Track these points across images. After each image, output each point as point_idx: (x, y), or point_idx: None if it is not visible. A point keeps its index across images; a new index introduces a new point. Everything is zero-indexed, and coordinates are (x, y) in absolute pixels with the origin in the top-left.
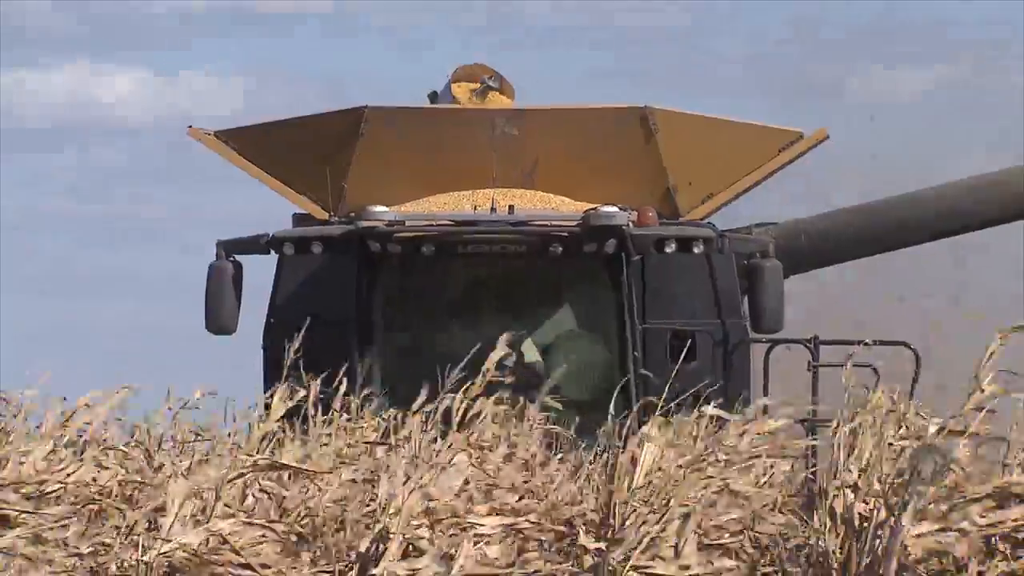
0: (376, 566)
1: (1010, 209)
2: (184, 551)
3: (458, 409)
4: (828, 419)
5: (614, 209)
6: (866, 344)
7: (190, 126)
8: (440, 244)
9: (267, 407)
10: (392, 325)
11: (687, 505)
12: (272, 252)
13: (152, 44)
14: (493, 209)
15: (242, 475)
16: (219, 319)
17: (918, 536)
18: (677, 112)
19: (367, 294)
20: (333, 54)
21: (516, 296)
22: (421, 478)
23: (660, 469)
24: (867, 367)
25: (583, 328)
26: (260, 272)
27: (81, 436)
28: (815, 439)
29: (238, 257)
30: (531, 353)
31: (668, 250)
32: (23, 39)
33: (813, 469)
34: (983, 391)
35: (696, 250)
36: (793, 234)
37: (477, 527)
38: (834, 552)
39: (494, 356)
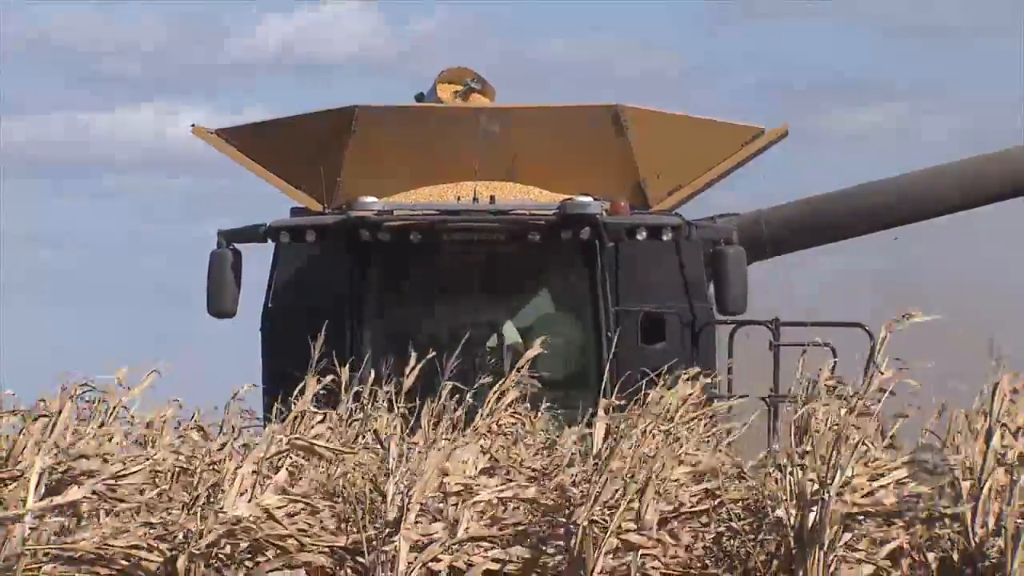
0: (397, 532)
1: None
2: (237, 522)
3: (488, 401)
4: (788, 395)
5: (588, 199)
6: (822, 325)
7: (193, 125)
8: (426, 232)
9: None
10: (382, 308)
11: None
12: (269, 241)
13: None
14: (475, 199)
15: (281, 454)
16: (220, 303)
17: (848, 503)
18: (647, 110)
19: (358, 279)
20: None
21: (497, 280)
22: (436, 458)
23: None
24: (825, 346)
25: (560, 310)
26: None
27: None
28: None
29: (238, 245)
30: (511, 334)
31: (639, 237)
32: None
33: (775, 443)
34: (882, 374)
35: (665, 237)
36: (754, 223)
37: (480, 497)
38: (789, 518)
39: (528, 355)
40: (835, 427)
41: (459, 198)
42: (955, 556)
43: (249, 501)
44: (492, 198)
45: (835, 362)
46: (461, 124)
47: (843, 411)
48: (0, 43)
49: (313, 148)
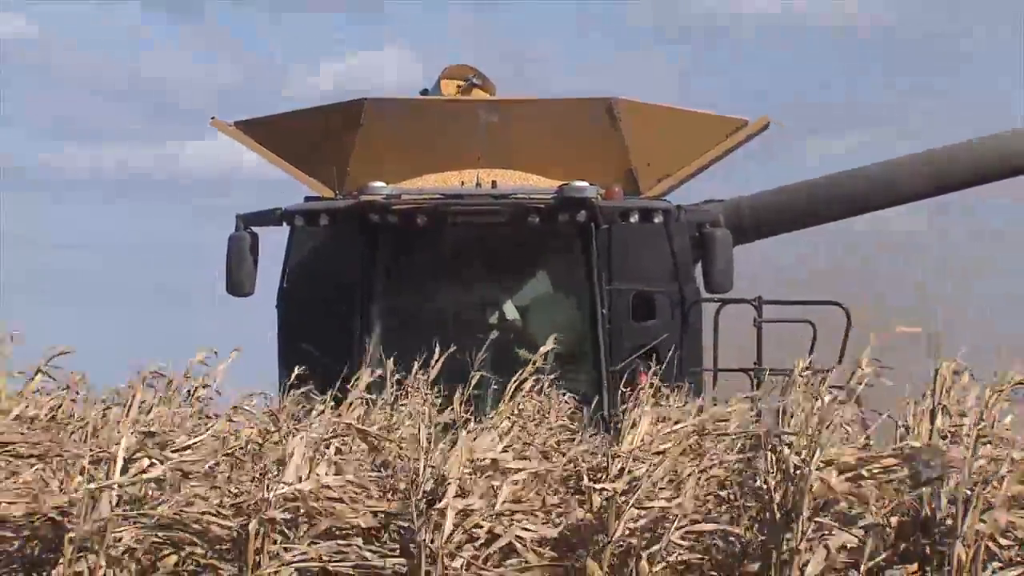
0: (440, 502)
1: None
2: (297, 493)
3: (509, 388)
4: (769, 368)
5: (585, 184)
6: (802, 304)
7: (213, 117)
8: (432, 214)
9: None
10: (390, 286)
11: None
12: (284, 224)
13: None
14: (478, 184)
15: (336, 435)
16: (238, 283)
17: (829, 480)
18: (639, 102)
19: (368, 259)
20: None
21: (498, 260)
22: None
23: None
24: (806, 322)
25: (557, 289)
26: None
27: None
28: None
29: (254, 229)
30: (511, 310)
31: (631, 220)
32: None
33: (758, 416)
34: (862, 369)
35: (656, 220)
36: (737, 209)
37: (512, 473)
38: (774, 490)
39: (542, 350)
40: (817, 411)
41: (463, 183)
42: (912, 521)
43: (307, 474)
44: (494, 183)
45: (814, 336)
46: (464, 115)
47: (825, 398)
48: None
49: (325, 139)
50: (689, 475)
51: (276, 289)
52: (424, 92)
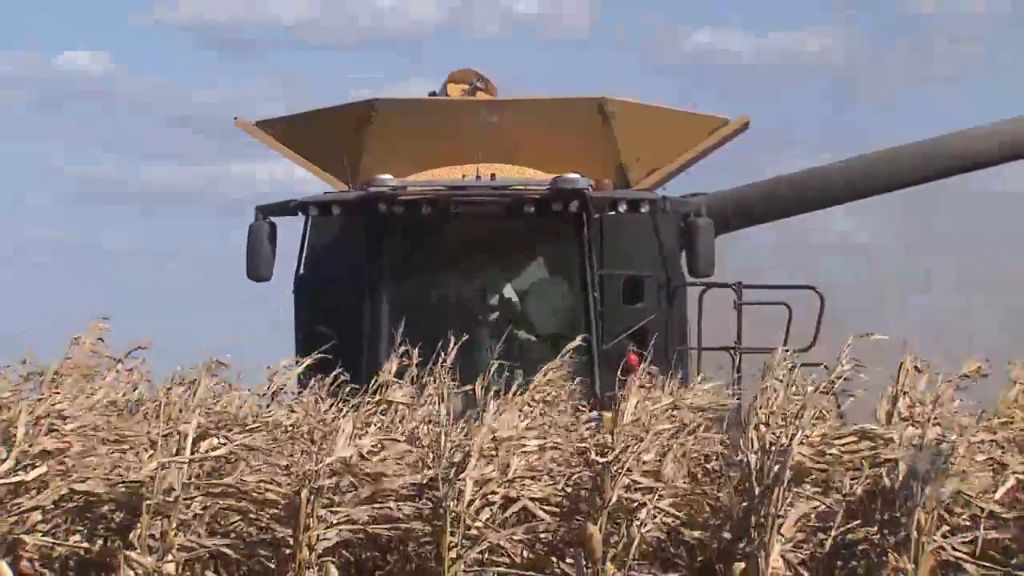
0: (463, 471)
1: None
2: (341, 462)
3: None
4: (750, 347)
5: (577, 176)
6: (779, 288)
7: (236, 117)
8: (435, 205)
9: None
10: (397, 272)
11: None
12: (300, 214)
13: None
14: (478, 177)
15: (371, 413)
16: (257, 269)
17: (802, 456)
18: (629, 101)
19: (377, 247)
20: None
21: (497, 247)
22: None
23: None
24: (782, 304)
25: (552, 274)
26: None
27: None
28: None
29: (273, 219)
30: (510, 295)
31: (621, 210)
32: None
33: (739, 393)
34: (843, 366)
35: (643, 210)
36: (720, 201)
37: (528, 448)
38: (753, 464)
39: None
40: (796, 396)
41: (464, 176)
42: (877, 490)
43: (352, 448)
44: (493, 176)
45: (789, 318)
46: (466, 114)
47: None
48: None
49: (339, 136)
50: (668, 449)
51: (292, 275)
52: (432, 94)
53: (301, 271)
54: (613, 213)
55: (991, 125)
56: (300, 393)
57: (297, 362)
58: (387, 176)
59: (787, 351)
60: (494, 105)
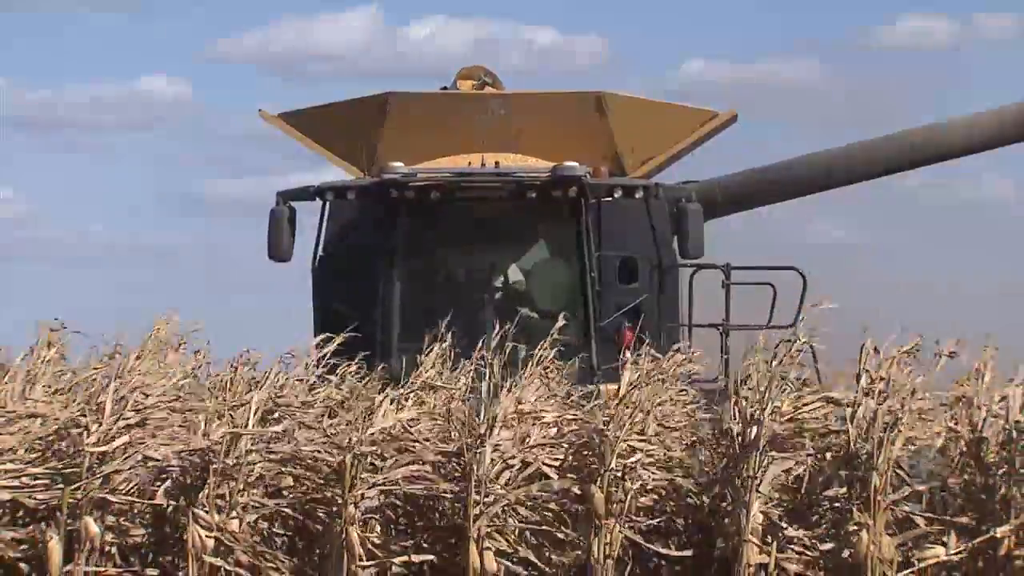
0: (489, 439)
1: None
2: (382, 433)
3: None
4: (737, 325)
5: (575, 164)
6: (764, 269)
7: (260, 109)
8: (444, 190)
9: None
10: (409, 252)
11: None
12: (318, 199)
13: None
14: (484, 165)
15: (411, 390)
16: (278, 250)
17: (777, 423)
18: (624, 95)
19: (389, 230)
20: None
21: (501, 230)
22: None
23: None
24: (767, 284)
25: (552, 255)
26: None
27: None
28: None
29: (293, 203)
30: (514, 275)
31: (616, 196)
32: None
33: (726, 370)
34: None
35: (637, 196)
36: (710, 188)
37: (546, 419)
38: (736, 431)
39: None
40: (769, 372)
41: (470, 164)
42: (842, 455)
43: (391, 420)
44: (497, 164)
45: (774, 297)
46: (473, 107)
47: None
48: None
49: (355, 127)
50: (652, 415)
51: (311, 257)
52: (444, 89)
53: (320, 253)
54: (609, 199)
55: (970, 116)
56: (317, 363)
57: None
58: (399, 164)
59: (772, 328)
60: (500, 98)
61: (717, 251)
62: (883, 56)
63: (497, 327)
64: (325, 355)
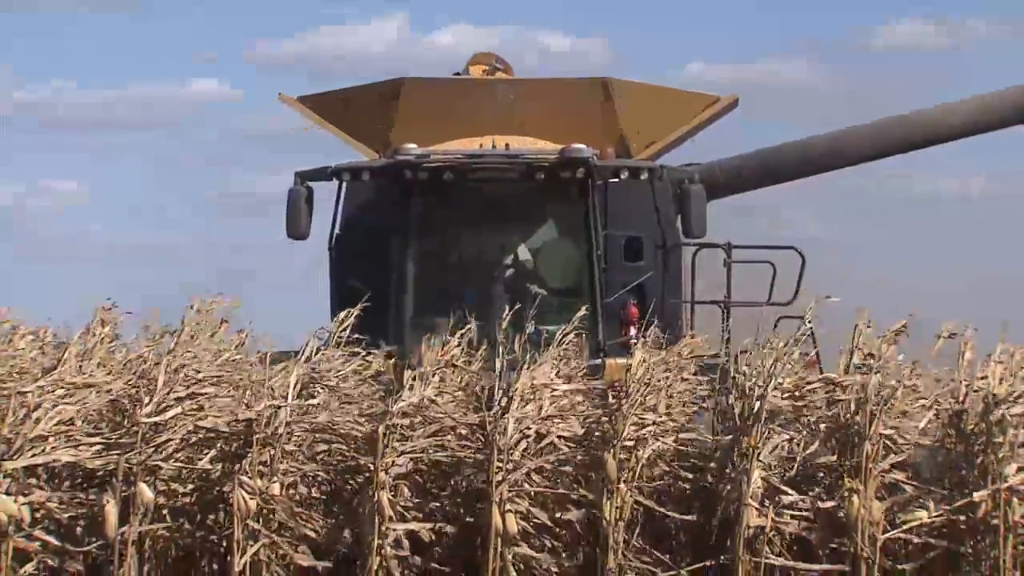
0: (508, 411)
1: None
2: (411, 406)
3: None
4: (738, 301)
5: (583, 147)
6: (764, 248)
7: (280, 93)
8: (456, 171)
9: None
10: (422, 232)
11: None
12: (334, 180)
13: None
14: (494, 147)
15: (438, 367)
16: (296, 228)
17: (777, 399)
18: (629, 81)
19: (403, 209)
20: None
21: (511, 209)
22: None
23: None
24: (767, 263)
25: (560, 235)
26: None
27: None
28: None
29: (310, 183)
30: (523, 253)
31: (622, 177)
32: None
33: (727, 349)
34: (807, 324)
35: (642, 177)
36: (711, 171)
37: (557, 393)
38: (735, 407)
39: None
40: (771, 351)
41: (481, 146)
42: (835, 426)
43: (418, 394)
44: (507, 145)
45: (774, 275)
46: (484, 92)
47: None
48: None
49: (371, 110)
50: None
51: (328, 235)
52: (456, 75)
53: (337, 232)
54: (615, 180)
55: (957, 102)
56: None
57: (333, 313)
58: (412, 145)
59: (772, 304)
60: (510, 84)
61: (718, 232)
62: (883, 56)
63: (507, 304)
64: (353, 331)
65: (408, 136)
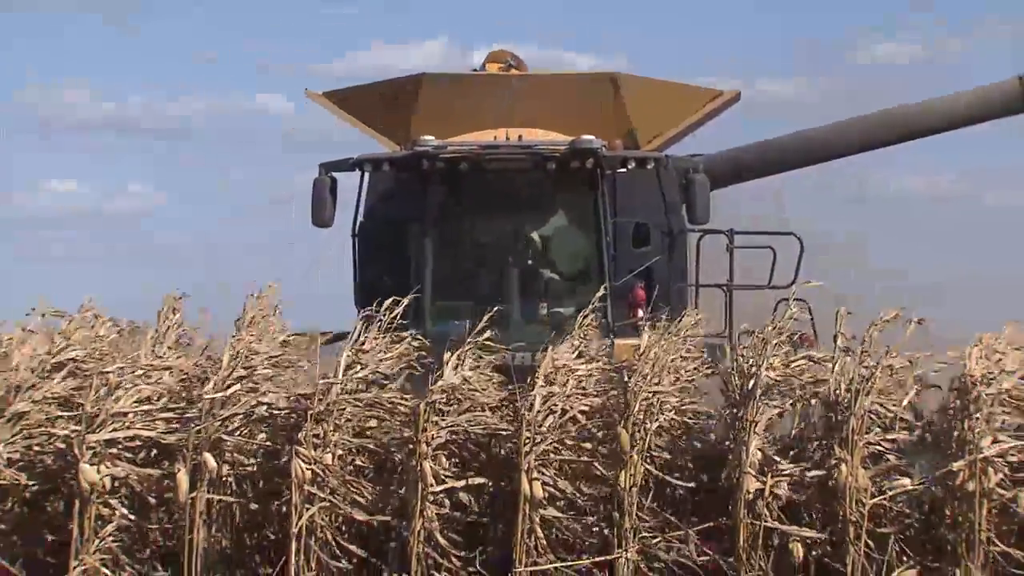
0: (537, 389)
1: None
2: (448, 385)
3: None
4: (740, 284)
5: (592, 137)
6: (765, 234)
7: (306, 89)
8: (471, 161)
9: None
10: (440, 219)
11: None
12: (357, 170)
13: None
14: (508, 139)
15: (469, 348)
16: (321, 217)
17: (770, 376)
18: (637, 76)
19: (421, 198)
20: None
21: (524, 198)
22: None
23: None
24: (767, 248)
25: (571, 222)
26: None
27: None
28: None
29: (334, 174)
30: (536, 239)
31: (630, 167)
32: None
33: (727, 329)
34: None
35: (649, 167)
36: (714, 161)
37: (579, 373)
38: (734, 381)
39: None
40: (762, 336)
41: (496, 138)
42: (825, 400)
43: (456, 375)
44: (520, 137)
45: (774, 259)
46: (499, 87)
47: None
48: None
49: (392, 104)
50: (669, 368)
51: (351, 222)
52: (474, 71)
53: (361, 220)
54: (623, 170)
55: (948, 96)
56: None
57: (356, 296)
58: (430, 137)
59: (772, 287)
60: (523, 79)
61: (721, 219)
62: (882, 69)
63: (520, 288)
64: (395, 316)
65: (427, 129)
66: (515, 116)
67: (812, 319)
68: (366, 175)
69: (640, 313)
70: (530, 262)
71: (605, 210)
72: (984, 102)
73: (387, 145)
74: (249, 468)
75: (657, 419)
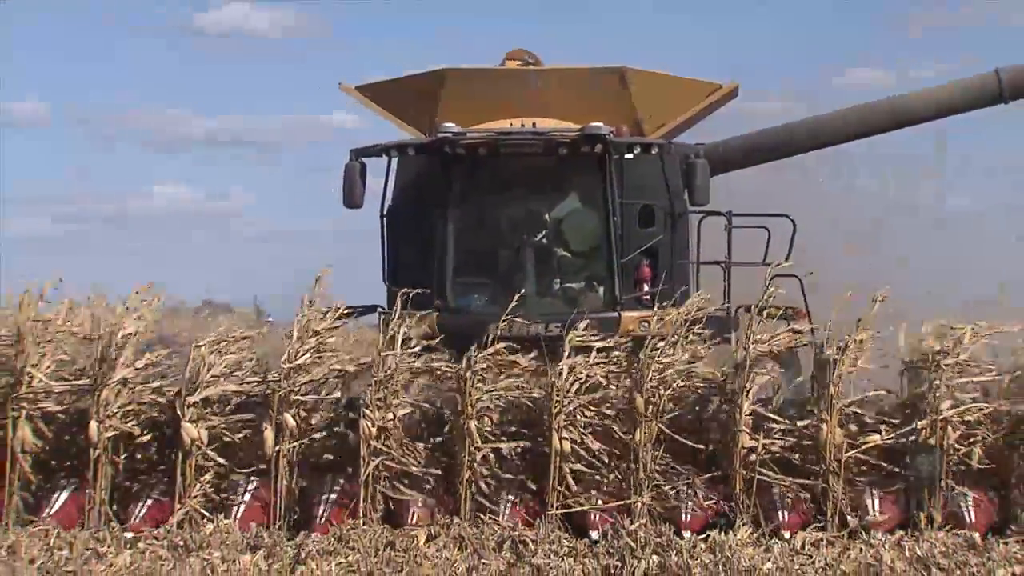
0: (564, 361)
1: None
2: (489, 356)
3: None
4: (737, 262)
5: (601, 125)
6: (760, 216)
7: (340, 82)
8: (489, 147)
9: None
10: (461, 201)
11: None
12: (384, 156)
13: None
14: (523, 127)
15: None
16: (351, 200)
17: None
18: (643, 70)
19: (444, 181)
20: None
21: (538, 181)
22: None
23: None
24: (762, 228)
25: (581, 203)
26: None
27: None
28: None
29: (364, 159)
30: (548, 219)
31: (635, 152)
32: None
33: (726, 307)
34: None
35: (653, 152)
36: (715, 149)
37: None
38: (735, 354)
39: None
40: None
41: (512, 126)
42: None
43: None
44: (534, 125)
45: (768, 239)
46: (516, 80)
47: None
48: None
49: (418, 97)
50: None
51: (379, 204)
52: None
53: (390, 203)
54: (630, 155)
55: (932, 88)
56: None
57: (384, 272)
58: (451, 124)
59: (767, 265)
60: (538, 72)
61: (720, 202)
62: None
63: (535, 265)
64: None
65: (450, 118)
66: (531, 106)
67: (804, 294)
68: (393, 160)
69: (645, 288)
70: (544, 240)
71: (613, 192)
72: (966, 92)
73: (414, 134)
74: (322, 424)
75: (671, 387)
